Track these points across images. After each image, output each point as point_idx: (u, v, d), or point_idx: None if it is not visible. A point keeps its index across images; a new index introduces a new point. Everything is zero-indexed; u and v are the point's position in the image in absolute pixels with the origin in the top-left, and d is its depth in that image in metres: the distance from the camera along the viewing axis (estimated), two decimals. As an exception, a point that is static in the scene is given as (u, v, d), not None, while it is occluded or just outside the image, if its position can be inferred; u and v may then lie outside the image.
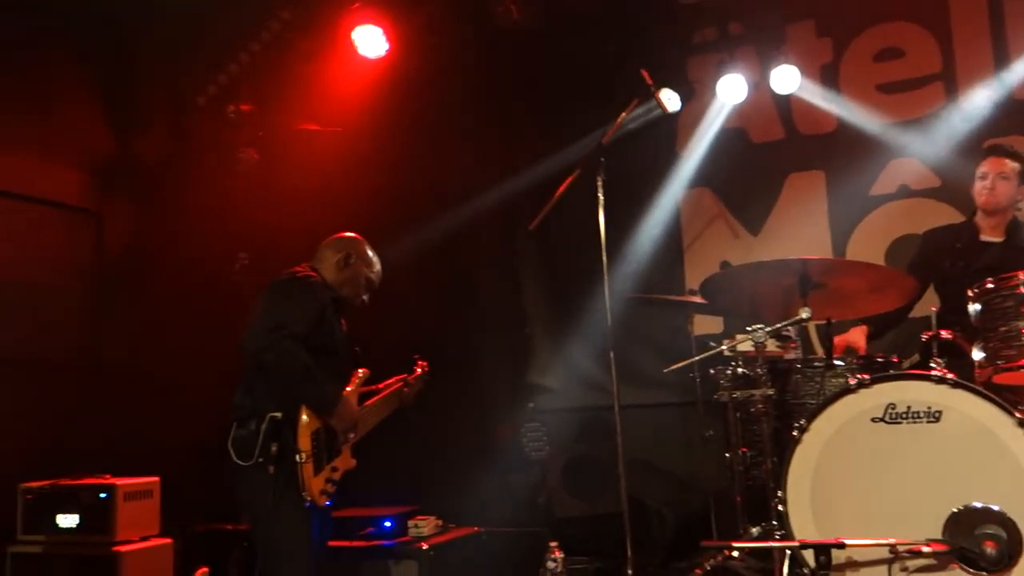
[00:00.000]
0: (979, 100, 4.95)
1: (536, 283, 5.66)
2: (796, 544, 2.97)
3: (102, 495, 4.12)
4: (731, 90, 5.24)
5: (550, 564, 3.89)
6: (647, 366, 5.27)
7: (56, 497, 4.20)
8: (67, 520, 4.16)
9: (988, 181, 4.03)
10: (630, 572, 3.83)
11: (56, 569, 4.08)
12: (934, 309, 3.45)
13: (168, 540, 4.28)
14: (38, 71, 4.92)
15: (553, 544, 3.91)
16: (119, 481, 4.17)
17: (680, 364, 3.94)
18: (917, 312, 4.18)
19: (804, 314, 3.45)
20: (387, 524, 4.04)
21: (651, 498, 4.61)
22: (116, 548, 4.03)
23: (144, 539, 4.18)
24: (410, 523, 4.06)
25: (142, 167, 5.47)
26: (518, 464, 4.84)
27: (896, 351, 4.12)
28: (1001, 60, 4.97)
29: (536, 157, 5.65)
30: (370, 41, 5.19)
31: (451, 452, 5.25)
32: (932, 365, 3.19)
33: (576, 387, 5.47)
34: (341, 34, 5.26)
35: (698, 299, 4.41)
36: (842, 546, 2.89)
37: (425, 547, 3.79)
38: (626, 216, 5.26)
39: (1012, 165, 4.02)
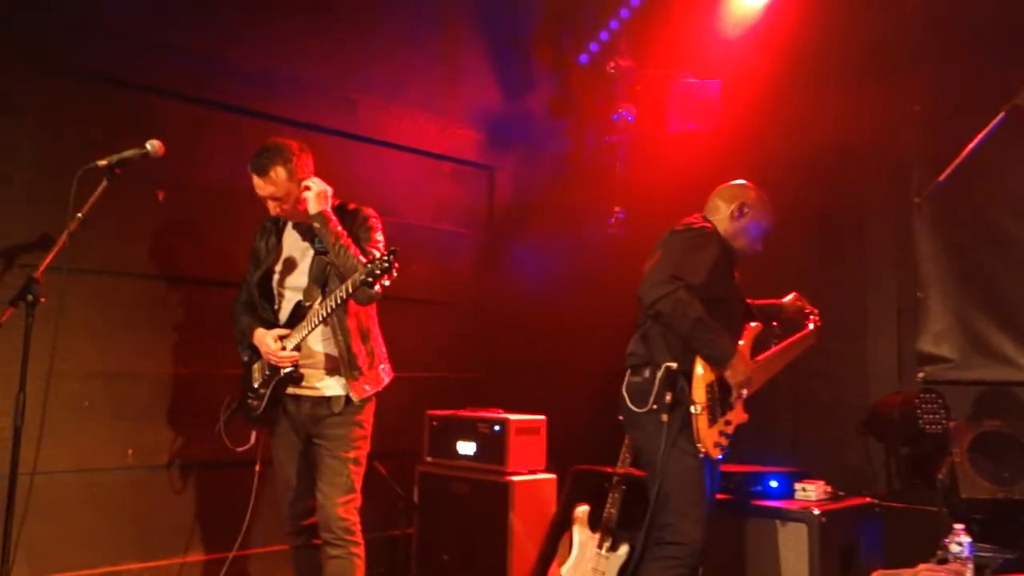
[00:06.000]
0: None
1: (933, 243, 5.13)
2: None
3: (497, 428, 4.46)
4: None
5: (955, 547, 3.54)
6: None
7: (457, 426, 4.62)
8: (466, 447, 4.56)
9: None
10: (1055, 570, 3.38)
11: (456, 490, 4.51)
12: None
13: (552, 475, 4.55)
14: (448, 47, 5.40)
15: (959, 526, 3.56)
16: (512, 416, 4.49)
17: None
18: None
19: None
20: (773, 484, 3.92)
21: (1076, 490, 4.02)
22: (508, 478, 4.35)
23: (531, 473, 4.47)
24: (797, 486, 3.91)
25: (529, 124, 5.80)
26: (910, 437, 4.47)
27: None
28: None
29: (933, 104, 5.11)
30: (753, -11, 5.05)
31: (831, 416, 4.99)
32: None
33: (977, 359, 4.90)
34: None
35: None
36: None
37: (816, 511, 3.63)
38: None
39: None
